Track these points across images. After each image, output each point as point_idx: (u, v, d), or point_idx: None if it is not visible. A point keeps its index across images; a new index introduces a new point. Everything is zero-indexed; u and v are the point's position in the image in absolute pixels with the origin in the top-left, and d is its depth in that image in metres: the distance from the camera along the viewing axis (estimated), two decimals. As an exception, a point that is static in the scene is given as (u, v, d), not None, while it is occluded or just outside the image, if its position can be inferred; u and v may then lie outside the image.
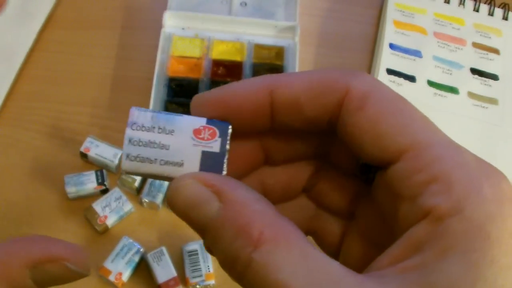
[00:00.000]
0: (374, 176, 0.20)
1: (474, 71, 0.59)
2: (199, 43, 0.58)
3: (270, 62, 0.57)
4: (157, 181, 0.48)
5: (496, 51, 0.61)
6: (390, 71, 0.58)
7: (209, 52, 0.57)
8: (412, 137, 0.17)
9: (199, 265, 0.46)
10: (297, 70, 0.56)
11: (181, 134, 0.19)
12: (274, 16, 0.60)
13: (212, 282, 0.46)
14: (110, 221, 0.47)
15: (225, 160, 0.19)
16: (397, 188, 0.17)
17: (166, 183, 0.48)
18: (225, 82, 0.54)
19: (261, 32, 0.59)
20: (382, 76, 0.57)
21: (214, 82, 0.55)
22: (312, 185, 0.23)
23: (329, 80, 0.19)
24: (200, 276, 0.45)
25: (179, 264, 0.47)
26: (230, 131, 0.19)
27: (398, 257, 0.16)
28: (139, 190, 0.49)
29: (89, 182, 0.48)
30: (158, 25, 0.58)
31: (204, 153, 0.19)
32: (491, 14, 0.63)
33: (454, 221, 0.15)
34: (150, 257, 0.46)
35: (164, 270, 0.45)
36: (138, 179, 0.49)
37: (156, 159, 0.19)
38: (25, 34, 0.57)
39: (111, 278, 0.45)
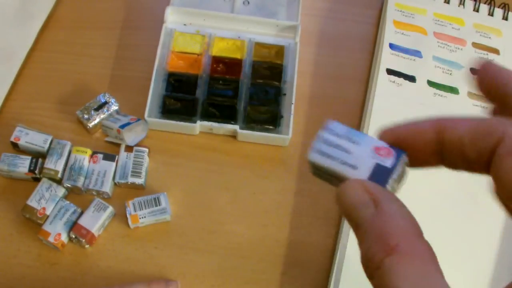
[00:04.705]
0: None
1: (474, 71, 0.59)
2: (199, 39, 0.58)
3: (270, 61, 0.57)
4: (76, 165, 0.49)
5: (496, 51, 0.61)
6: (390, 71, 0.58)
7: (210, 48, 0.57)
8: None
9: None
10: (296, 69, 0.56)
11: (364, 145, 0.23)
12: (276, 16, 0.60)
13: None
14: (49, 210, 0.47)
15: (392, 177, 0.22)
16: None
17: (85, 167, 0.49)
18: (224, 79, 0.55)
19: (262, 31, 0.59)
20: (382, 76, 0.57)
21: (213, 79, 0.55)
22: None
23: (489, 125, 0.20)
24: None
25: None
26: (404, 156, 0.22)
27: None
28: (61, 179, 0.49)
29: (22, 166, 0.48)
30: (159, 26, 0.58)
31: (377, 165, 0.22)
32: (491, 14, 0.63)
33: None
34: (95, 203, 0.48)
35: (90, 220, 0.47)
36: (60, 169, 0.49)
37: (338, 158, 0.23)
38: (25, 34, 0.57)
39: (51, 239, 0.46)
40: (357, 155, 0.23)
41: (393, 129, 0.23)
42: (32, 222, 0.47)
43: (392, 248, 0.18)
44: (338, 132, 0.24)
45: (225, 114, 0.54)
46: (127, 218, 0.48)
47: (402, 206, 0.21)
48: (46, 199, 0.48)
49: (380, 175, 0.22)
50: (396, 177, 0.22)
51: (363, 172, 0.22)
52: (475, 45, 0.61)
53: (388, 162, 0.22)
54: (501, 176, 0.20)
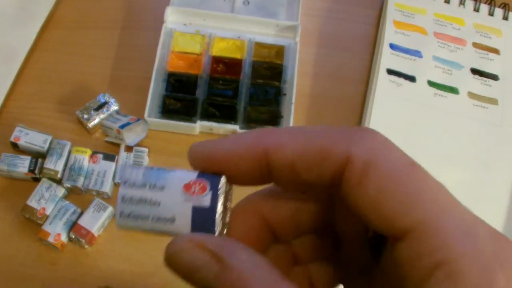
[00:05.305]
0: (382, 250, 0.19)
1: (474, 71, 0.59)
2: (199, 39, 0.58)
3: (269, 61, 0.57)
4: (76, 165, 0.49)
5: (496, 51, 0.61)
6: (390, 71, 0.58)
7: (210, 48, 0.57)
8: (418, 216, 0.16)
9: None
10: (296, 69, 0.56)
11: (172, 189, 0.19)
12: (276, 16, 0.60)
13: None
14: (49, 210, 0.47)
15: (217, 215, 0.19)
16: (402, 268, 0.16)
17: (85, 167, 0.49)
18: (224, 79, 0.55)
19: (262, 31, 0.59)
20: (382, 76, 0.57)
21: (213, 79, 0.55)
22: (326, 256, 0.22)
23: (325, 146, 0.17)
24: None
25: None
26: (221, 184, 0.19)
27: None
28: (61, 179, 0.49)
29: (21, 167, 0.48)
30: (158, 26, 0.58)
31: (195, 208, 0.19)
32: (491, 14, 0.63)
33: None
34: (95, 203, 0.48)
35: (90, 220, 0.47)
36: (60, 168, 0.49)
37: (148, 216, 0.19)
38: (25, 34, 0.57)
39: (50, 239, 0.46)
40: (168, 204, 0.19)
41: (205, 152, 0.19)
42: (32, 222, 0.47)
43: None
44: (137, 181, 0.19)
45: (225, 114, 0.54)
46: (127, 218, 0.48)
47: (248, 251, 0.17)
48: (46, 199, 0.48)
49: (204, 219, 0.19)
50: (222, 209, 0.19)
51: (183, 222, 0.19)
52: (475, 45, 0.61)
53: (205, 200, 0.19)
54: (356, 207, 0.17)
